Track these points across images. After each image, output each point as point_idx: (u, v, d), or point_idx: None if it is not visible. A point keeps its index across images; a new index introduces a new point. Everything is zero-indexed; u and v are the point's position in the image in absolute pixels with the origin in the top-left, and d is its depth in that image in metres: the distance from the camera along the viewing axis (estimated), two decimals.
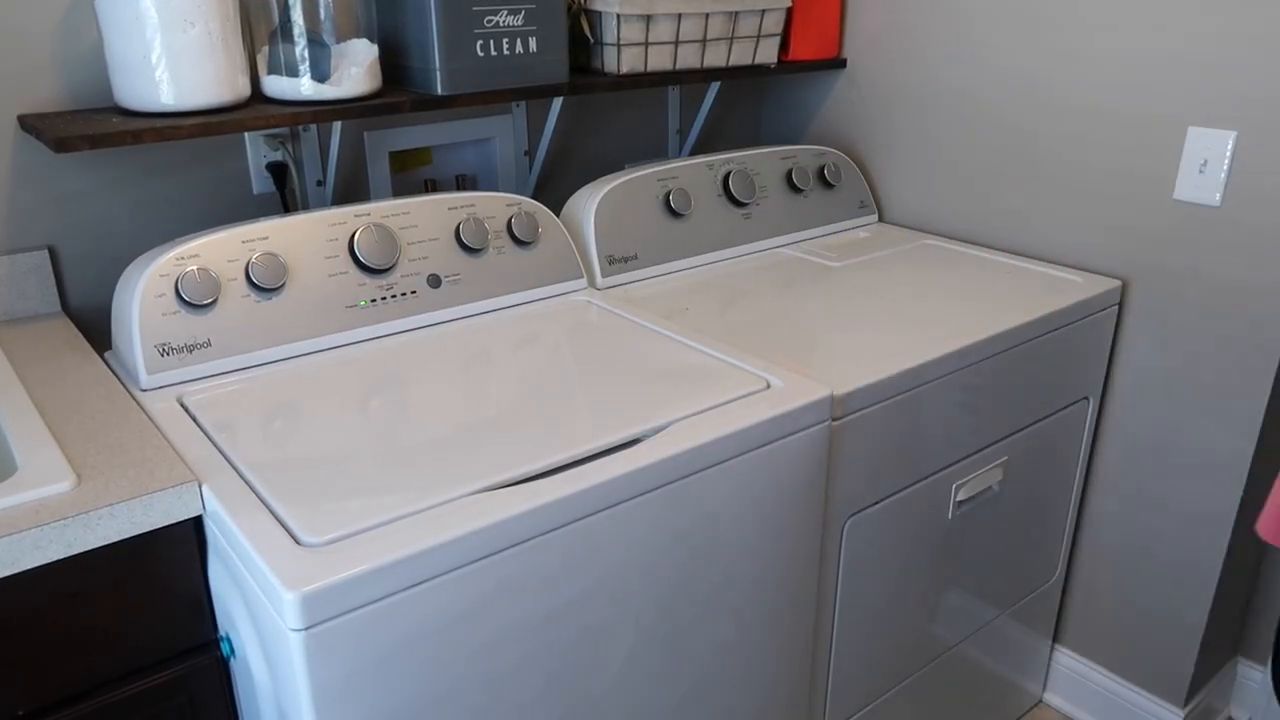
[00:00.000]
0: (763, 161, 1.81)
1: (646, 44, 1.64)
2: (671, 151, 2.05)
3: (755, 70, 1.83)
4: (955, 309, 1.51)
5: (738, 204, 1.75)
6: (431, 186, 1.75)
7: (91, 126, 1.22)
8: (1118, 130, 1.62)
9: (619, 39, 1.60)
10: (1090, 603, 1.86)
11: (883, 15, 1.90)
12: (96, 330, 1.44)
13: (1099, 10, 1.60)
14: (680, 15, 1.65)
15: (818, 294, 1.57)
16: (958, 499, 1.50)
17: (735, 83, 2.08)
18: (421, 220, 1.41)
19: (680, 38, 1.68)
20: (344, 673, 0.89)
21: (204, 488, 0.98)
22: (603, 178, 1.64)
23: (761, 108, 2.18)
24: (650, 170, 1.66)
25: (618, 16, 1.58)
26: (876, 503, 1.37)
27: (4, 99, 1.31)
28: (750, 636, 1.25)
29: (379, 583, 0.88)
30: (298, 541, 0.90)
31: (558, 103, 1.72)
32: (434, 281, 1.40)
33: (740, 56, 1.79)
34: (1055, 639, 1.94)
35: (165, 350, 1.19)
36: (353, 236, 1.34)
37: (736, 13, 1.73)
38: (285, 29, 1.34)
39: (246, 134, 1.51)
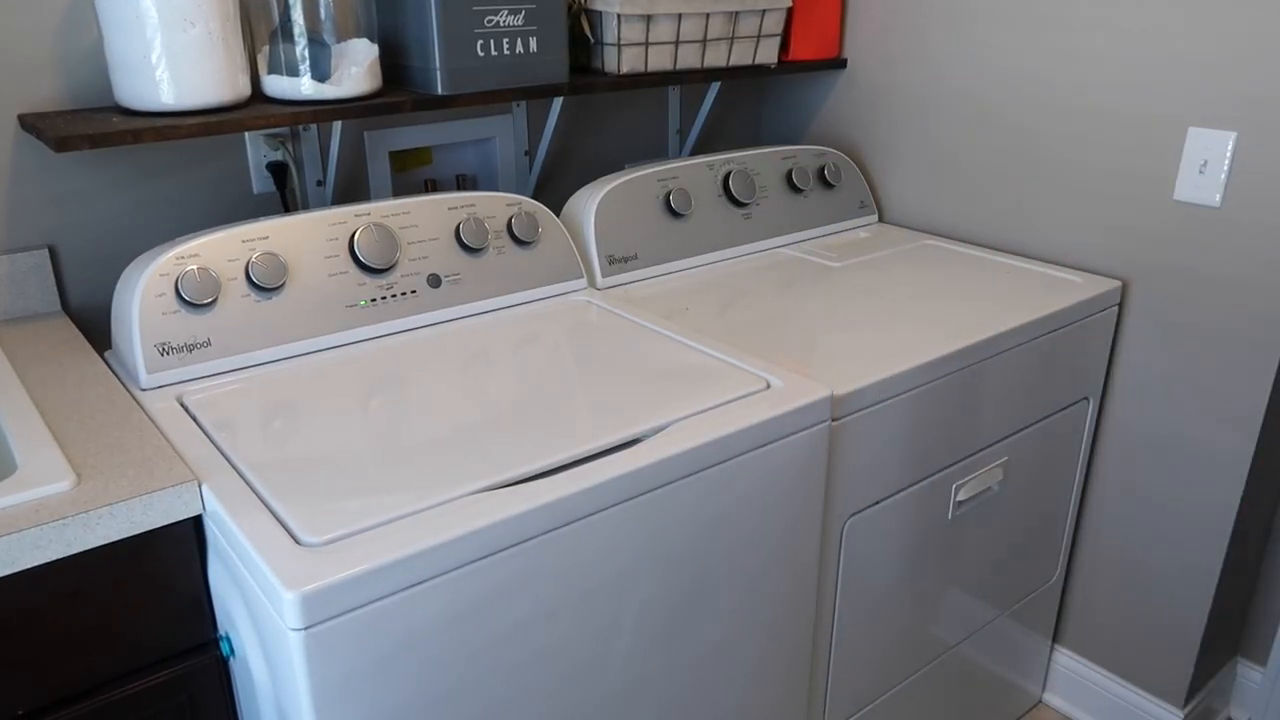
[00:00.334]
0: (763, 161, 1.81)
1: (647, 44, 1.64)
2: (671, 151, 2.05)
3: (755, 70, 1.83)
4: (955, 309, 1.51)
5: (738, 204, 1.75)
6: (431, 186, 1.75)
7: (92, 126, 1.22)
8: (1118, 130, 1.62)
9: (619, 39, 1.60)
10: (1090, 603, 1.86)
11: (883, 15, 1.90)
12: (96, 330, 1.44)
13: (1099, 10, 1.60)
14: (680, 15, 1.65)
15: (818, 294, 1.57)
16: (958, 499, 1.50)
17: (735, 83, 2.08)
18: (421, 220, 1.41)
19: (680, 38, 1.68)
20: (344, 672, 0.89)
21: (204, 487, 0.98)
22: (603, 178, 1.64)
23: (761, 108, 2.18)
24: (650, 170, 1.66)
25: (618, 16, 1.58)
26: (876, 503, 1.36)
27: (4, 99, 1.31)
28: (750, 636, 1.25)
29: (379, 582, 0.88)
30: (297, 541, 0.90)
31: (558, 103, 1.73)
32: (434, 281, 1.40)
33: (740, 56, 1.79)
34: (1055, 639, 1.94)
35: (165, 350, 1.19)
36: (353, 236, 1.34)
37: (737, 13, 1.73)
38: (285, 28, 1.34)
39: (246, 134, 1.51)
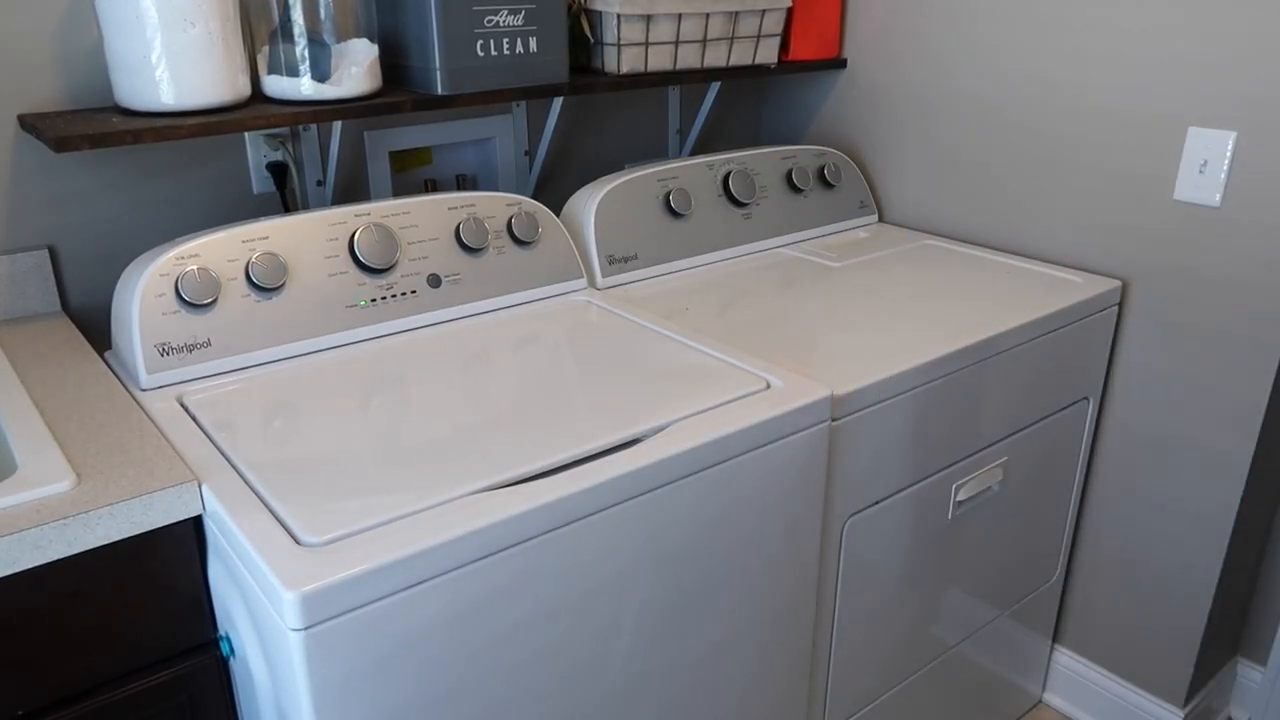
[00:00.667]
0: (763, 161, 1.81)
1: (646, 44, 1.64)
2: (671, 151, 2.05)
3: (755, 70, 1.83)
4: (955, 309, 1.51)
5: (738, 204, 1.75)
6: (431, 186, 1.75)
7: (91, 126, 1.22)
8: (1118, 130, 1.62)
9: (619, 39, 1.60)
10: (1090, 603, 1.86)
11: (883, 15, 1.90)
12: (96, 330, 1.44)
13: (1100, 10, 1.60)
14: (680, 15, 1.65)
15: (818, 294, 1.57)
16: (958, 499, 1.50)
17: (735, 83, 2.08)
18: (421, 220, 1.41)
19: (680, 38, 1.68)
20: (343, 672, 0.89)
21: (204, 487, 0.98)
22: (603, 178, 1.64)
23: (761, 108, 2.18)
24: (650, 170, 1.66)
25: (618, 16, 1.58)
26: (876, 503, 1.37)
27: (4, 99, 1.31)
28: (750, 636, 1.25)
29: (379, 582, 0.88)
30: (297, 541, 0.90)
31: (558, 103, 1.73)
32: (434, 281, 1.40)
33: (740, 56, 1.79)
34: (1055, 639, 1.94)
35: (165, 350, 1.19)
36: (353, 236, 1.34)
37: (736, 13, 1.73)
38: (285, 29, 1.34)
39: (246, 134, 1.51)
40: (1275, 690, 1.71)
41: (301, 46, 1.34)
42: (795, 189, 1.84)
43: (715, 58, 1.75)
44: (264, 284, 1.25)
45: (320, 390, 1.20)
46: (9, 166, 1.33)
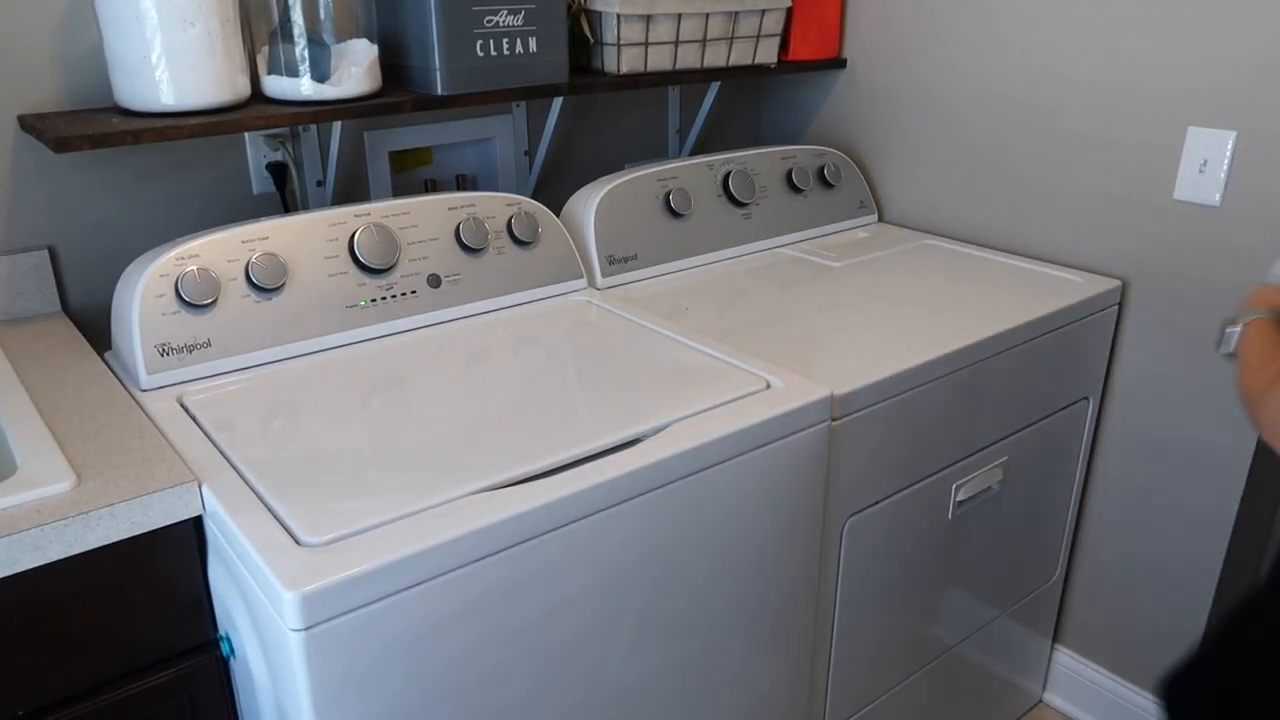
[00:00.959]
0: (763, 161, 1.81)
1: (646, 44, 1.64)
2: (671, 151, 2.05)
3: (755, 70, 1.83)
4: (955, 309, 1.51)
5: (738, 204, 1.75)
6: (431, 186, 1.75)
7: (91, 126, 1.22)
8: (1118, 129, 1.61)
9: (619, 39, 1.60)
10: (1090, 603, 1.86)
11: (883, 15, 1.90)
12: (96, 330, 1.44)
13: (1100, 9, 1.60)
14: (680, 15, 1.65)
15: (818, 294, 1.57)
16: (958, 499, 1.50)
17: (735, 83, 2.08)
18: (421, 220, 1.41)
19: (680, 38, 1.68)
20: (344, 673, 0.89)
21: (204, 488, 0.98)
22: (603, 178, 1.64)
23: (761, 108, 2.18)
24: (650, 170, 1.66)
25: (618, 16, 1.58)
26: (876, 503, 1.37)
27: (4, 99, 1.31)
28: (750, 636, 1.25)
29: (379, 583, 0.88)
30: (297, 541, 0.90)
31: (558, 103, 1.72)
32: (434, 281, 1.40)
33: (740, 56, 1.79)
34: (1055, 639, 1.94)
35: (165, 350, 1.19)
36: (353, 236, 1.34)
37: (736, 13, 1.73)
38: (285, 29, 1.34)
39: (246, 134, 1.51)
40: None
41: (301, 47, 1.34)
42: (795, 189, 1.84)
43: (715, 57, 1.75)
44: (264, 284, 1.25)
45: (320, 390, 1.20)
46: (9, 167, 1.33)
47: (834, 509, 1.31)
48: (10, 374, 1.18)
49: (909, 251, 1.80)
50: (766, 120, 2.19)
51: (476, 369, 1.26)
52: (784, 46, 1.89)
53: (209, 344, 1.22)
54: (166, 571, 0.99)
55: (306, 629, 0.85)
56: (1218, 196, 1.51)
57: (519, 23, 1.47)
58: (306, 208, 1.56)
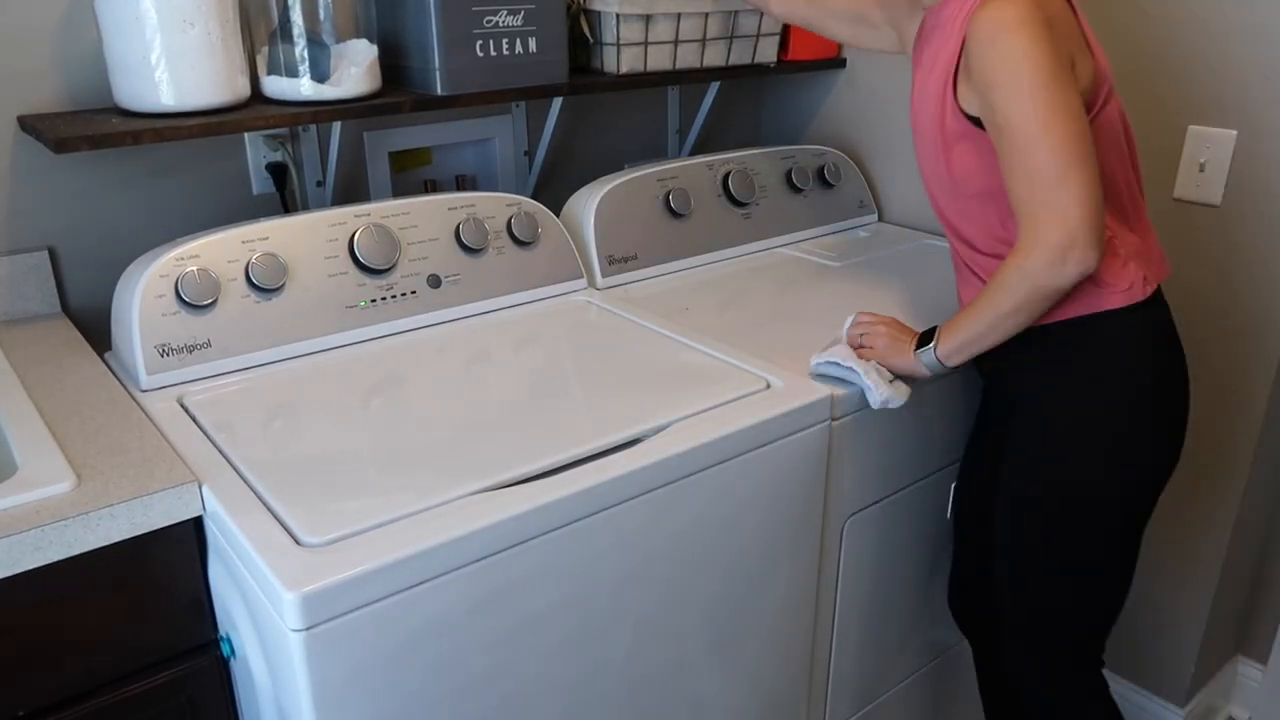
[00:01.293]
0: (763, 161, 1.81)
1: (646, 44, 1.64)
2: (671, 151, 2.05)
3: (755, 70, 1.83)
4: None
5: (738, 204, 1.75)
6: (431, 186, 1.75)
7: (91, 127, 1.22)
8: None
9: (619, 39, 1.60)
10: None
11: None
12: (96, 330, 1.44)
13: (1099, 9, 1.60)
14: (680, 15, 1.65)
15: (818, 294, 1.57)
16: None
17: (735, 82, 2.08)
18: (421, 220, 1.41)
19: (680, 37, 1.68)
20: (344, 673, 0.89)
21: (204, 488, 0.98)
22: (603, 178, 1.64)
23: (761, 108, 2.18)
24: (650, 170, 1.66)
25: (617, 16, 1.58)
26: (876, 503, 1.37)
27: (4, 99, 1.31)
28: (749, 636, 1.25)
29: (379, 583, 0.88)
30: (298, 542, 0.90)
31: (558, 103, 1.72)
32: (434, 281, 1.40)
33: (740, 56, 1.79)
34: None
35: (165, 351, 1.19)
36: (353, 237, 1.34)
37: (736, 12, 1.73)
38: (285, 29, 1.34)
39: (246, 134, 1.51)
40: (1276, 689, 1.71)
41: (301, 47, 1.34)
42: (795, 189, 1.84)
43: (714, 57, 1.75)
44: (264, 284, 1.25)
45: (320, 391, 1.20)
46: (9, 167, 1.33)
47: (834, 509, 1.31)
48: (10, 374, 1.18)
49: (909, 251, 1.80)
50: (766, 120, 2.19)
51: (476, 369, 1.26)
52: (784, 46, 1.89)
53: (209, 344, 1.22)
54: (166, 572, 0.99)
55: (307, 629, 0.85)
56: (1218, 197, 1.51)
57: (519, 23, 1.47)
58: (306, 208, 1.56)
